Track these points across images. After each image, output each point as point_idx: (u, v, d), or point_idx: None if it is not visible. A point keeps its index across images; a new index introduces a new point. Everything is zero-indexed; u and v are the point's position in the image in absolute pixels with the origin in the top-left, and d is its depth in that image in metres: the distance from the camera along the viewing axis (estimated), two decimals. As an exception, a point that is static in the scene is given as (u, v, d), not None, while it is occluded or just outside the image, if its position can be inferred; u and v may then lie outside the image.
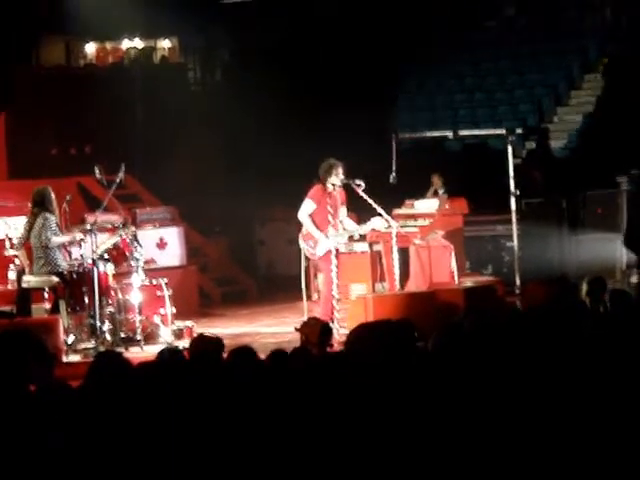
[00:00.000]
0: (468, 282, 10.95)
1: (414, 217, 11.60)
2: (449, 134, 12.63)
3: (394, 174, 11.34)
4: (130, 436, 4.43)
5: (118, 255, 10.88)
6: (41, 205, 10.40)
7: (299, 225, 10.87)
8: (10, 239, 11.19)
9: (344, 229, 10.84)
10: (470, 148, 15.59)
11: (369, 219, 10.75)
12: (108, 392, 4.67)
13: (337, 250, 10.67)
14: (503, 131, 12.15)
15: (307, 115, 15.10)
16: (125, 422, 4.55)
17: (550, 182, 14.13)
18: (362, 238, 11.45)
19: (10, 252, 11.12)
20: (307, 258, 10.90)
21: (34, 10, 14.61)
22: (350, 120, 14.71)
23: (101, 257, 10.57)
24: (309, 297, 11.25)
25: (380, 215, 10.69)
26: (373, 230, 11.00)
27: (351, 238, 11.03)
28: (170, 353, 5.10)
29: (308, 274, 12.32)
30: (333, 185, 10.68)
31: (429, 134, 13.45)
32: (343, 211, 10.87)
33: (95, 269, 10.31)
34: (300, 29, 16.09)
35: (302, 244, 10.83)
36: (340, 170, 10.66)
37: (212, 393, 4.66)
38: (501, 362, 5.11)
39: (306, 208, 10.71)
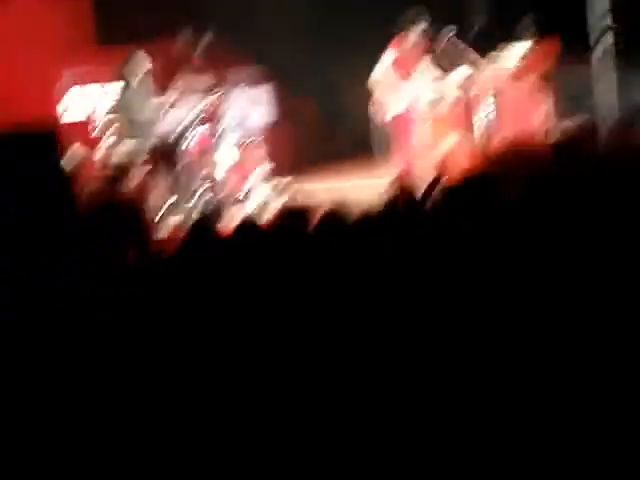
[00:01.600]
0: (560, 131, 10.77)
1: (506, 61, 11.37)
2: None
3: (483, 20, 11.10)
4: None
5: (211, 117, 11.00)
6: (133, 72, 10.49)
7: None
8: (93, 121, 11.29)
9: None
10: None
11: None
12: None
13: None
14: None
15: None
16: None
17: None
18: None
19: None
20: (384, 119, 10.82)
21: None
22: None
23: (194, 120, 10.69)
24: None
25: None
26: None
27: None
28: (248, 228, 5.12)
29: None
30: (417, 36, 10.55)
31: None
32: (423, 66, 10.69)
33: (187, 133, 10.45)
34: None
35: (375, 102, 10.74)
36: (418, 20, 10.43)
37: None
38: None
39: (385, 60, 10.56)
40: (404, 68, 10.49)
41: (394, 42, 10.53)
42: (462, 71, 10.54)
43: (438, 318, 4.41)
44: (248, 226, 5.06)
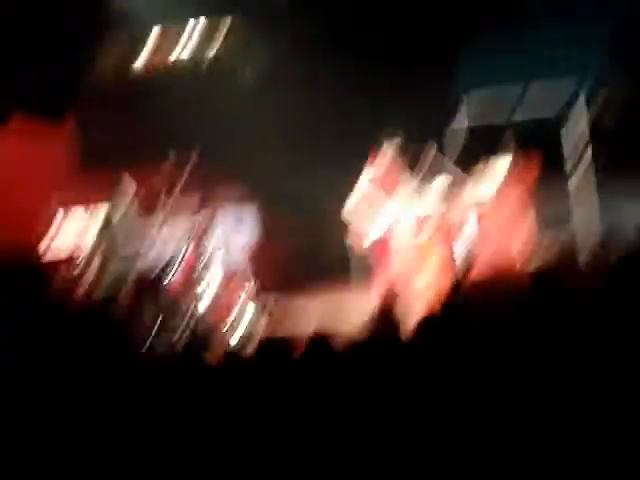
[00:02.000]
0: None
1: (487, 180, 11.49)
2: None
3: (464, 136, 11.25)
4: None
5: (196, 237, 11.05)
6: (117, 198, 10.59)
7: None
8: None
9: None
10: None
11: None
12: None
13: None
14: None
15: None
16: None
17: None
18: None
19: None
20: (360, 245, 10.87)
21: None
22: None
23: (180, 240, 10.75)
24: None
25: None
26: None
27: None
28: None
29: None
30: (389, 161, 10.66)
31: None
32: (399, 190, 10.80)
33: (174, 255, 10.50)
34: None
35: (350, 228, 10.83)
36: (390, 145, 10.57)
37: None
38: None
39: (359, 186, 10.67)
40: (382, 188, 10.56)
41: (371, 161, 10.61)
42: (441, 182, 10.57)
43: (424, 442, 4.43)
44: (233, 358, 5.08)
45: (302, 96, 14.52)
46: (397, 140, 10.54)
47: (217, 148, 14.77)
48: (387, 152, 10.57)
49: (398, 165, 10.62)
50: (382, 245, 10.57)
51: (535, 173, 11.69)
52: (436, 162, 10.70)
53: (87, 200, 12.32)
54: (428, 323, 5.36)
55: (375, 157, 10.62)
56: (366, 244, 10.64)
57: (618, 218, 11.06)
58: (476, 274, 10.27)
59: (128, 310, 10.40)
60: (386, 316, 5.95)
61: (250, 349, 5.44)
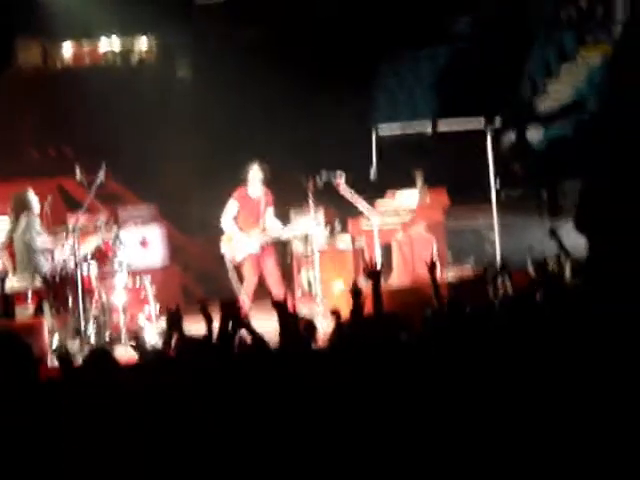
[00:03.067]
0: (451, 275, 11.02)
1: (396, 212, 11.63)
2: (428, 130, 12.63)
3: (374, 170, 11.41)
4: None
5: (101, 256, 10.90)
6: (23, 209, 10.40)
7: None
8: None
9: (266, 231, 10.91)
10: (449, 140, 15.59)
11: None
12: (98, 391, 4.68)
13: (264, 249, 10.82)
14: (481, 122, 12.15)
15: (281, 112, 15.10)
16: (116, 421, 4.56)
17: (530, 173, 14.18)
18: (344, 230, 11.56)
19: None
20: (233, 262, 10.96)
21: (8, 13, 14.51)
22: (327, 115, 14.71)
23: (84, 259, 10.58)
24: (292, 293, 11.29)
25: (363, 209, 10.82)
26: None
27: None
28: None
29: (291, 270, 12.36)
30: (256, 186, 10.79)
31: (408, 130, 13.41)
32: (270, 212, 10.95)
33: (78, 271, 10.32)
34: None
35: (222, 248, 10.92)
36: (256, 169, 10.76)
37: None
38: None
39: (229, 209, 10.85)
40: (246, 216, 10.81)
41: (237, 192, 10.86)
42: (299, 225, 11.03)
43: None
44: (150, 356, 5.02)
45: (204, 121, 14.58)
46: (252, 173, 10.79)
47: (126, 166, 14.70)
48: (250, 185, 10.81)
49: (260, 199, 10.81)
50: (249, 259, 10.79)
51: (444, 206, 11.90)
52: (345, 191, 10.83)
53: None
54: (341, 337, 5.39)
55: (238, 192, 10.85)
56: (238, 257, 10.81)
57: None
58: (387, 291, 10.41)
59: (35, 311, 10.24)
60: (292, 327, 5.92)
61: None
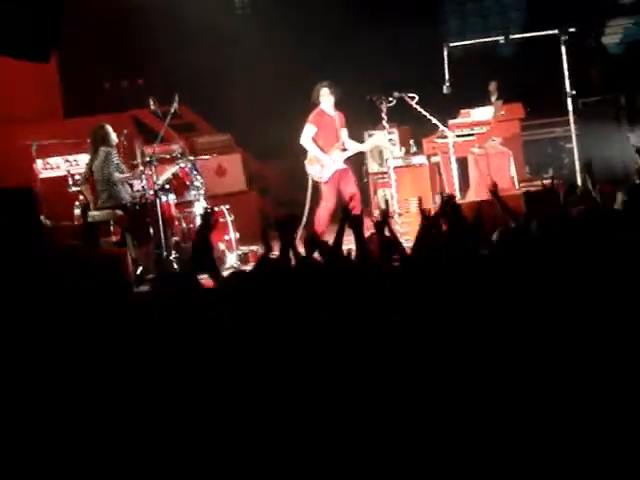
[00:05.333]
0: (529, 187, 10.90)
1: (470, 126, 11.51)
2: (501, 39, 12.38)
3: (447, 84, 11.27)
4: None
5: (179, 185, 11.01)
6: (101, 143, 10.52)
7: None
8: (72, 176, 11.33)
9: (345, 150, 10.90)
10: (523, 50, 15.31)
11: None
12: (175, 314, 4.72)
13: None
14: (556, 31, 11.86)
15: (348, 33, 14.96)
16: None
17: (607, 79, 13.88)
18: (420, 151, 11.49)
19: (73, 189, 11.26)
20: (315, 182, 10.94)
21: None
22: (395, 35, 14.55)
23: (162, 188, 10.68)
24: (369, 214, 11.29)
25: (436, 125, 10.74)
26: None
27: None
28: (237, 276, 5.14)
29: (368, 190, 12.36)
30: (329, 108, 10.74)
31: (480, 41, 13.16)
32: (344, 133, 10.91)
33: (157, 200, 10.45)
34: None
35: (308, 169, 10.89)
36: (327, 91, 10.72)
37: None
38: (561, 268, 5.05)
39: (308, 133, 10.80)
40: (325, 137, 10.80)
41: (313, 115, 10.82)
42: (375, 139, 10.90)
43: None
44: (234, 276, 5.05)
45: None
46: (323, 94, 10.73)
47: (200, 95, 14.76)
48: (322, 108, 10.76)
49: (334, 120, 10.78)
50: (334, 178, 10.80)
51: (519, 120, 11.74)
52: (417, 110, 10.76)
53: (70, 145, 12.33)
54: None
55: (314, 115, 10.80)
56: (325, 176, 10.81)
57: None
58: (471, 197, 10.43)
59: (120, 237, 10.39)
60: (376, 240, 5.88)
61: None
